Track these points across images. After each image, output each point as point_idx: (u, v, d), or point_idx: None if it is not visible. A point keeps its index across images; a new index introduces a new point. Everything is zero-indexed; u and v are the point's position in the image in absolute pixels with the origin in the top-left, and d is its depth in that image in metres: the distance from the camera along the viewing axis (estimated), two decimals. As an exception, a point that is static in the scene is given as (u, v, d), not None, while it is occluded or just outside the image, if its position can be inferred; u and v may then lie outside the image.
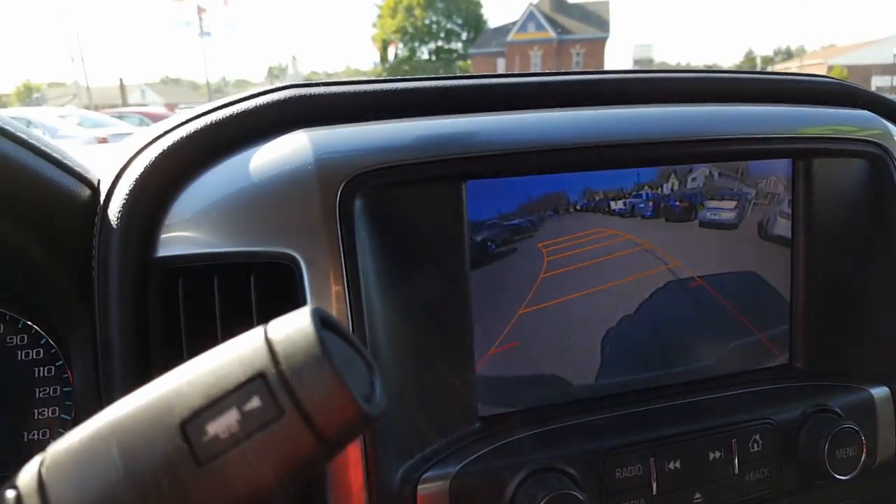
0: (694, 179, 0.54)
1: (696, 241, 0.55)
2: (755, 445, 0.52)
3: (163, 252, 0.47)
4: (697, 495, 0.51)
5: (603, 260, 0.53)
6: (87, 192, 0.50)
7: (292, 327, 0.24)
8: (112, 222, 0.47)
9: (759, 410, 0.53)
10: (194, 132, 0.48)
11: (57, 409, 0.51)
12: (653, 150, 0.52)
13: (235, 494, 0.24)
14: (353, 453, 0.43)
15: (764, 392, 0.56)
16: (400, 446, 0.46)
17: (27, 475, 0.25)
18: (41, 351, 0.51)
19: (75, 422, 0.51)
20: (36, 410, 0.51)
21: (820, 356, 0.59)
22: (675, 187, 0.54)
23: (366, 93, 0.52)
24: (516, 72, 0.58)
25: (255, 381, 0.24)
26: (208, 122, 0.49)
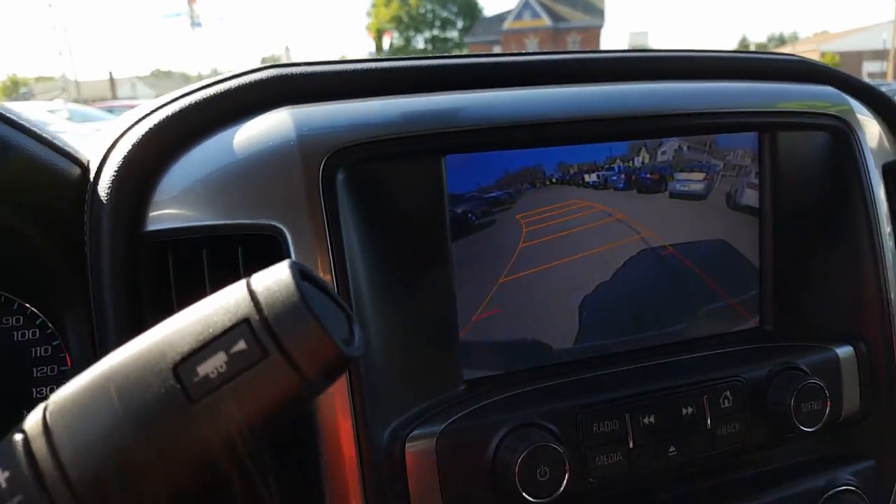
0: (664, 153, 0.57)
1: (667, 211, 0.58)
2: (725, 401, 0.55)
3: (152, 227, 0.49)
4: (672, 448, 0.54)
5: (578, 230, 0.55)
6: (77, 171, 0.51)
7: (273, 279, 0.27)
8: (102, 199, 0.49)
9: (728, 369, 0.56)
10: (179, 111, 0.51)
11: (55, 387, 0.53)
12: (624, 124, 0.55)
13: (227, 429, 0.26)
14: (343, 414, 0.46)
15: (734, 353, 0.59)
16: (387, 407, 0.48)
17: (33, 419, 0.27)
18: (37, 332, 0.53)
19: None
20: (34, 389, 0.53)
21: (788, 319, 0.62)
22: (646, 160, 0.57)
23: (348, 72, 0.54)
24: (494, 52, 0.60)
25: (240, 327, 0.26)
26: (192, 101, 0.51)
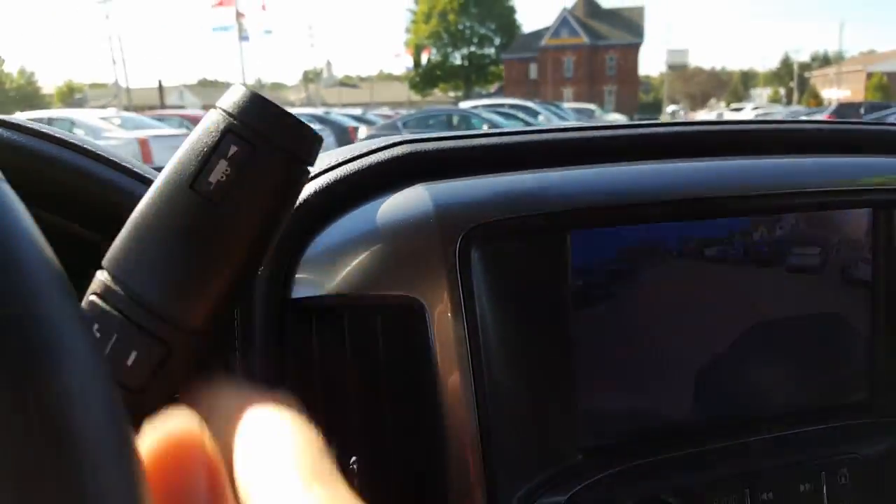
0: (781, 228, 0.58)
1: (783, 285, 0.58)
2: (842, 478, 0.55)
3: (298, 294, 0.52)
4: (789, 526, 0.54)
5: (696, 303, 0.56)
6: None
7: (234, 95, 0.33)
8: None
9: (844, 445, 0.56)
10: (324, 186, 0.53)
11: None
12: (744, 202, 0.56)
13: (251, 220, 0.32)
14: (476, 480, 0.48)
15: (848, 426, 0.59)
16: (512, 475, 0.50)
17: (98, 279, 0.32)
18: None
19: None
20: None
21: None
22: (765, 234, 0.57)
23: (476, 147, 0.57)
24: (616, 123, 0.62)
25: (227, 136, 0.32)
26: (339, 175, 0.54)
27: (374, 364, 0.51)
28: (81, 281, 0.30)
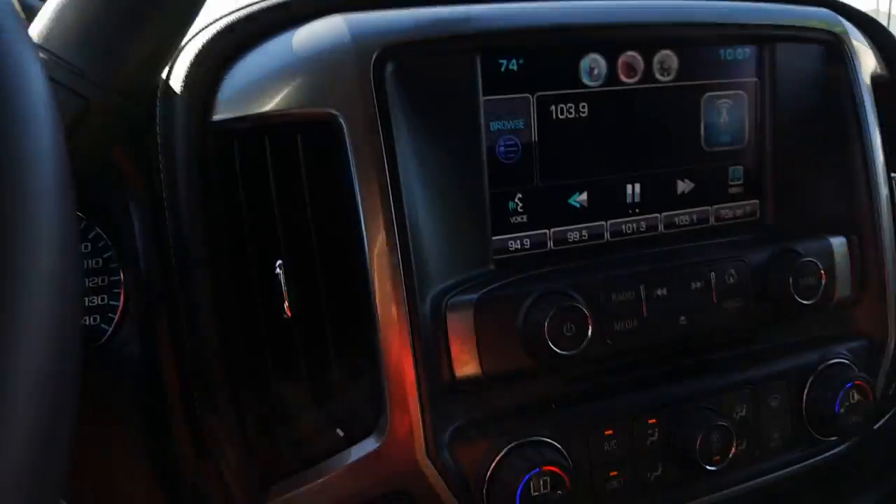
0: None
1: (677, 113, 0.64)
2: (730, 278, 0.61)
3: (218, 117, 0.55)
4: (682, 319, 0.60)
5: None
6: None
7: None
8: (175, 90, 0.54)
9: (733, 252, 0.62)
10: (249, 14, 0.57)
11: (105, 296, 0.58)
12: (641, 31, 0.61)
13: None
14: (394, 283, 0.52)
15: (738, 241, 0.65)
16: (430, 278, 0.54)
17: None
18: (89, 245, 0.58)
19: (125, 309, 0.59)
20: (86, 299, 0.58)
21: (787, 214, 0.68)
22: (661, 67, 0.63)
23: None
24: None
25: None
26: (262, 7, 0.57)
27: (296, 182, 0.55)
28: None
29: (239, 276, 0.55)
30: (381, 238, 0.52)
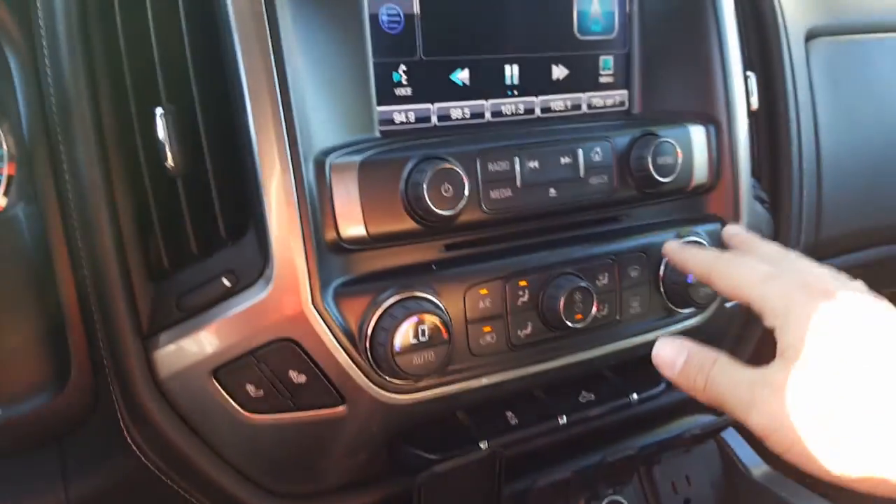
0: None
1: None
2: (596, 156, 0.67)
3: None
4: (552, 191, 0.65)
5: None
6: None
7: None
8: None
9: (600, 133, 0.68)
10: None
11: None
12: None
13: None
14: (277, 137, 0.54)
15: (605, 125, 0.71)
16: (313, 138, 0.57)
17: None
18: None
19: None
20: None
21: (652, 104, 0.74)
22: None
23: None
24: None
25: None
26: None
27: (175, 27, 0.56)
28: None
29: (121, 128, 0.56)
30: (262, 96, 0.54)
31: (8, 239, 0.57)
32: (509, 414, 0.72)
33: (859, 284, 0.53)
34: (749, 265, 0.56)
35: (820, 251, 0.95)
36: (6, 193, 0.58)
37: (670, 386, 0.81)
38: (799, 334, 0.48)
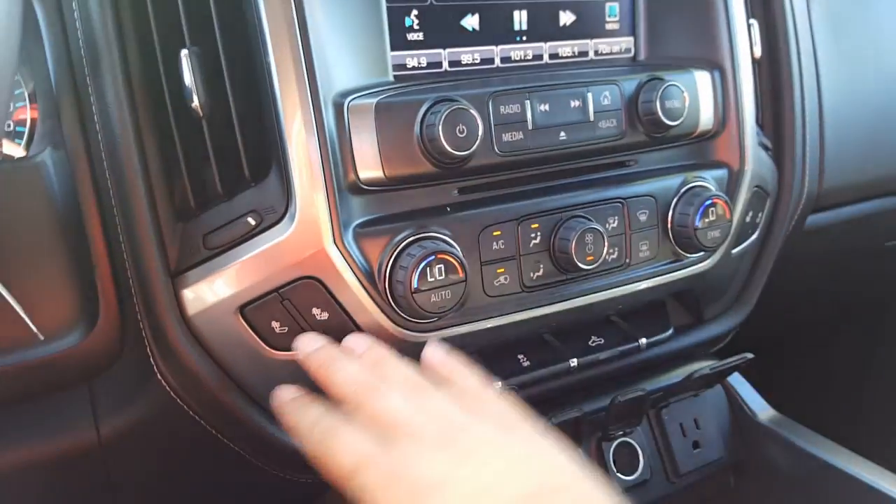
0: None
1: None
2: (605, 99, 0.68)
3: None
4: (563, 134, 0.67)
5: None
6: None
7: None
8: None
9: (607, 76, 0.69)
10: None
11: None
12: None
13: None
14: (298, 75, 0.56)
15: (613, 70, 0.73)
16: (331, 75, 0.58)
17: None
18: None
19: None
20: None
21: (658, 50, 0.76)
22: None
23: None
24: None
25: None
26: None
27: None
28: None
29: (148, 72, 0.58)
30: (283, 37, 0.56)
31: (36, 183, 0.59)
32: (521, 357, 0.74)
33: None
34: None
35: (822, 201, 0.97)
36: (30, 137, 0.60)
37: (677, 331, 0.84)
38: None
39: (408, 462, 0.46)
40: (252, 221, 0.59)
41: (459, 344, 0.67)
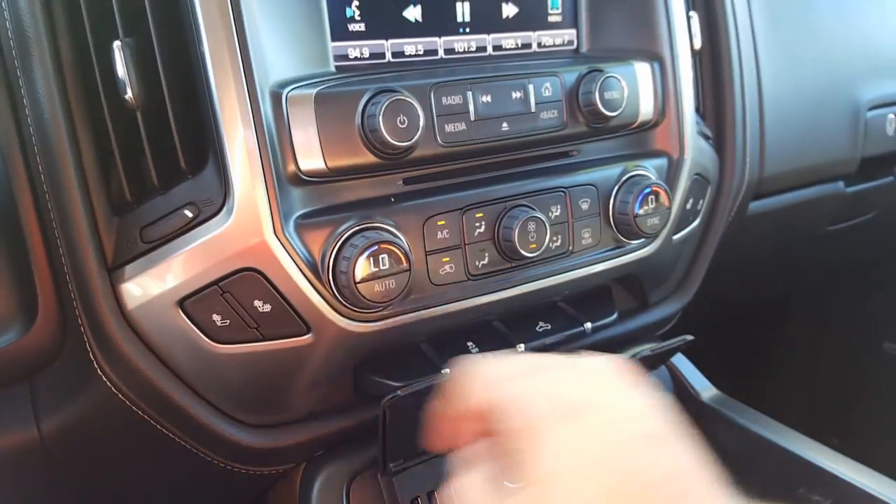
0: None
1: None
2: (546, 91, 0.69)
3: None
4: (505, 125, 0.68)
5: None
6: None
7: None
8: None
9: (549, 69, 0.70)
10: None
11: None
12: None
13: None
14: (233, 65, 0.55)
15: (554, 63, 0.74)
16: (268, 66, 0.58)
17: None
18: None
19: None
20: None
21: (599, 43, 0.77)
22: None
23: None
24: None
25: None
26: None
27: None
28: None
29: (80, 63, 0.57)
30: (217, 26, 0.55)
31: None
32: (470, 344, 0.75)
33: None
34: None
35: (764, 188, 1.00)
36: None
37: (622, 316, 0.86)
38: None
39: None
40: (189, 214, 0.58)
41: (407, 333, 0.68)
